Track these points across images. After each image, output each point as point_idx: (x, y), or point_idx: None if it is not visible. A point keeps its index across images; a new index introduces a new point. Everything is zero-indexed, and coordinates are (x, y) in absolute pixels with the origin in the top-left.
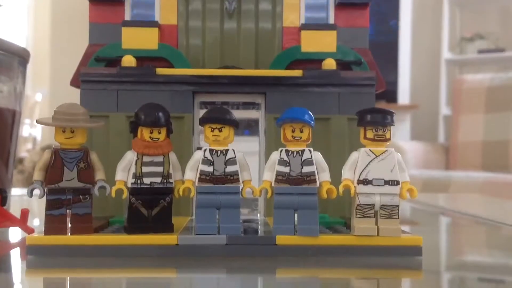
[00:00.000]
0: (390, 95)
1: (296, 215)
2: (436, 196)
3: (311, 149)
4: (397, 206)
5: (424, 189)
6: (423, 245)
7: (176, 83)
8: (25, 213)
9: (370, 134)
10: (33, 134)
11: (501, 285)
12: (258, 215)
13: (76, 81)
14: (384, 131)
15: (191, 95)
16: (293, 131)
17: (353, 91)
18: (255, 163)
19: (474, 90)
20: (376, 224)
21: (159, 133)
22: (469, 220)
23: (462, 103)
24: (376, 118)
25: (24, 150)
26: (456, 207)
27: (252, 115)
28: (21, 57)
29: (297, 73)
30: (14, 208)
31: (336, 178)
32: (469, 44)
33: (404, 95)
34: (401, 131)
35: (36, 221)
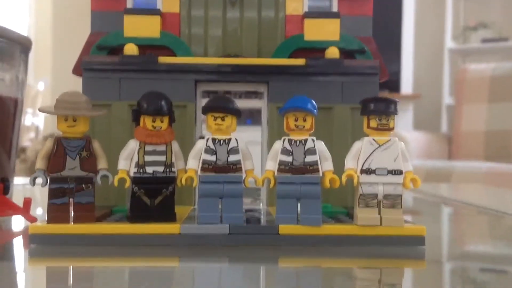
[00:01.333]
0: (393, 84)
1: (298, 204)
2: (438, 186)
3: (314, 138)
4: (400, 195)
5: (426, 179)
6: (426, 235)
7: (179, 72)
8: (27, 202)
9: (373, 123)
10: (36, 123)
11: (503, 275)
12: (261, 204)
13: (78, 70)
14: (388, 120)
15: (193, 84)
16: (296, 120)
17: (356, 80)
18: (257, 153)
19: (477, 79)
20: (379, 213)
21: (162, 121)
22: (471, 210)
23: (465, 93)
24: (380, 107)
25: (26, 139)
26: (458, 196)
27: (255, 104)
28: (23, 45)
29: (300, 61)
30: (16, 197)
31: (339, 167)
32: (473, 33)
33: (407, 85)
34: (404, 121)
35: (39, 210)
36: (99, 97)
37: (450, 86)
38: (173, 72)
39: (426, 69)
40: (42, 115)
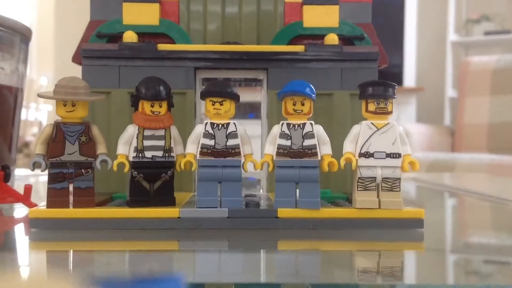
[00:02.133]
0: (396, 77)
1: (297, 188)
2: (441, 176)
3: (312, 122)
4: (399, 179)
5: (429, 171)
6: (426, 221)
7: (178, 59)
8: (28, 189)
9: (371, 107)
10: (39, 118)
11: (505, 266)
12: (261, 191)
13: (78, 58)
14: (386, 104)
15: (193, 71)
16: (294, 104)
17: (355, 66)
18: (259, 146)
19: (480, 72)
20: (378, 196)
21: (160, 106)
22: (473, 197)
23: (468, 85)
24: (378, 90)
25: (30, 134)
26: (461, 185)
27: (257, 98)
28: (23, 34)
29: (299, 48)
30: (19, 188)
31: (338, 154)
32: (475, 25)
33: (409, 78)
34: (406, 113)
35: (40, 199)
36: (98, 85)
37: (453, 78)
38: (173, 59)
39: (429, 62)
40: (45, 110)
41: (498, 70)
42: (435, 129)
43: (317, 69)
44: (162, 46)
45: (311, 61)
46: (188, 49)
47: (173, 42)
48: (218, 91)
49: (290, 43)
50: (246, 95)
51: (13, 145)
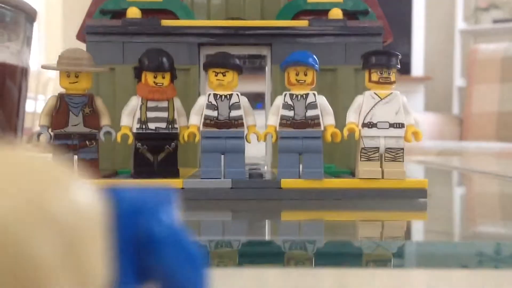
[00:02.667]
0: (404, 66)
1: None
2: (450, 159)
3: (315, 92)
4: (402, 149)
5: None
6: (431, 194)
7: (182, 35)
8: None
9: (375, 76)
10: None
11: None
12: (265, 167)
13: (82, 35)
14: (389, 74)
15: (196, 47)
16: (297, 75)
17: (360, 41)
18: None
19: (489, 60)
20: (381, 167)
21: (163, 78)
22: (480, 175)
23: (477, 74)
24: (381, 60)
25: (38, 125)
26: (468, 166)
27: (264, 88)
28: (28, 14)
29: (303, 23)
30: None
31: (342, 128)
32: (484, 13)
33: (418, 67)
34: (415, 102)
35: None
36: (102, 61)
37: (461, 67)
38: (176, 35)
39: (437, 50)
40: None
41: (507, 58)
42: (443, 118)
43: (321, 44)
44: (166, 22)
45: (315, 36)
46: (192, 25)
47: (177, 18)
48: (221, 61)
49: (294, 18)
50: (254, 85)
51: (19, 125)
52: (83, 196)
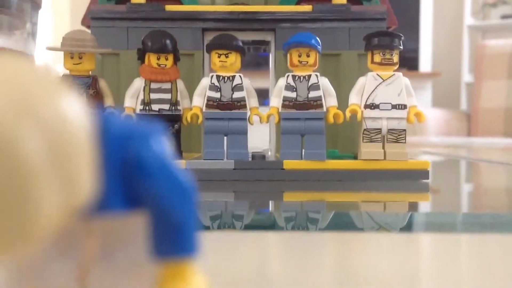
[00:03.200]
0: (411, 62)
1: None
2: (457, 150)
3: (318, 74)
4: (404, 130)
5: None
6: (435, 176)
7: (186, 20)
8: None
9: (377, 58)
10: None
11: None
12: (269, 152)
13: (87, 20)
14: (392, 55)
15: (200, 33)
16: (299, 56)
17: (363, 25)
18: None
19: (497, 55)
20: (383, 148)
21: (166, 59)
22: (488, 164)
23: (485, 69)
24: (384, 41)
25: None
26: (475, 157)
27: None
28: (33, 1)
29: (307, 8)
30: None
31: (345, 111)
32: (492, 9)
33: (425, 63)
34: (422, 98)
35: None
36: (107, 46)
37: (469, 63)
38: (180, 20)
39: (445, 46)
40: None
41: None
42: (451, 114)
43: (324, 29)
44: (170, 7)
45: (319, 21)
46: (196, 10)
47: (181, 4)
48: (224, 43)
49: (297, 3)
50: (261, 82)
51: None
52: (71, 106)
